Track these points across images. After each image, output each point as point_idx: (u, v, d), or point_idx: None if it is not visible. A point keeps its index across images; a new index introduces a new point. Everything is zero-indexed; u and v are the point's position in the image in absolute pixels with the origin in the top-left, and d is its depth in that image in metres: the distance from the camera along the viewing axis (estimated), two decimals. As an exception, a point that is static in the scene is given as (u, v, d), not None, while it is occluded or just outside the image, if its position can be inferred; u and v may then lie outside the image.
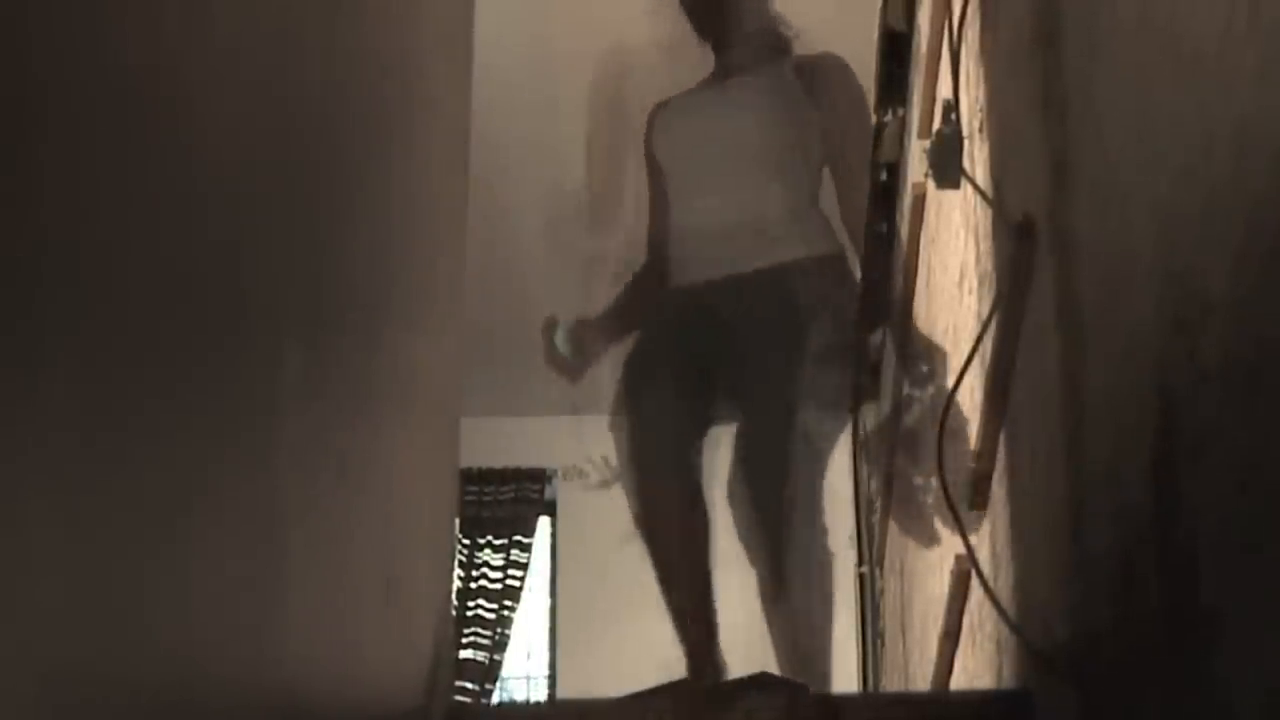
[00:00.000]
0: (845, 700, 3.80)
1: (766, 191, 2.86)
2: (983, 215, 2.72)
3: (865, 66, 4.97)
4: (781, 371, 2.85)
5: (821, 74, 2.99)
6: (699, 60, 3.29)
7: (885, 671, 5.47)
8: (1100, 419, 1.83)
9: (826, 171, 3.32)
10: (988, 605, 2.37)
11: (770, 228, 2.82)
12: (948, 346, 3.35)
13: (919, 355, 2.98)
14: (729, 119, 3.01)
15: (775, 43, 3.11)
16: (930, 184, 2.82)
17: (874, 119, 3.33)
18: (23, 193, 1.05)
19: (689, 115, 3.11)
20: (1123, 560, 1.73)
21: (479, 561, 7.50)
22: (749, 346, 2.72)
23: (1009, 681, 2.50)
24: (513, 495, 7.49)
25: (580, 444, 6.43)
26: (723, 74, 3.11)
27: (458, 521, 4.94)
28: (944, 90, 2.98)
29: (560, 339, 3.05)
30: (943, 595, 3.12)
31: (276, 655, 1.67)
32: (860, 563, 5.49)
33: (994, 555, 2.56)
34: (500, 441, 7.05)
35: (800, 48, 3.21)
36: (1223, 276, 1.30)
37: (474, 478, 7.02)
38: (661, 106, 3.24)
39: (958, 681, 3.08)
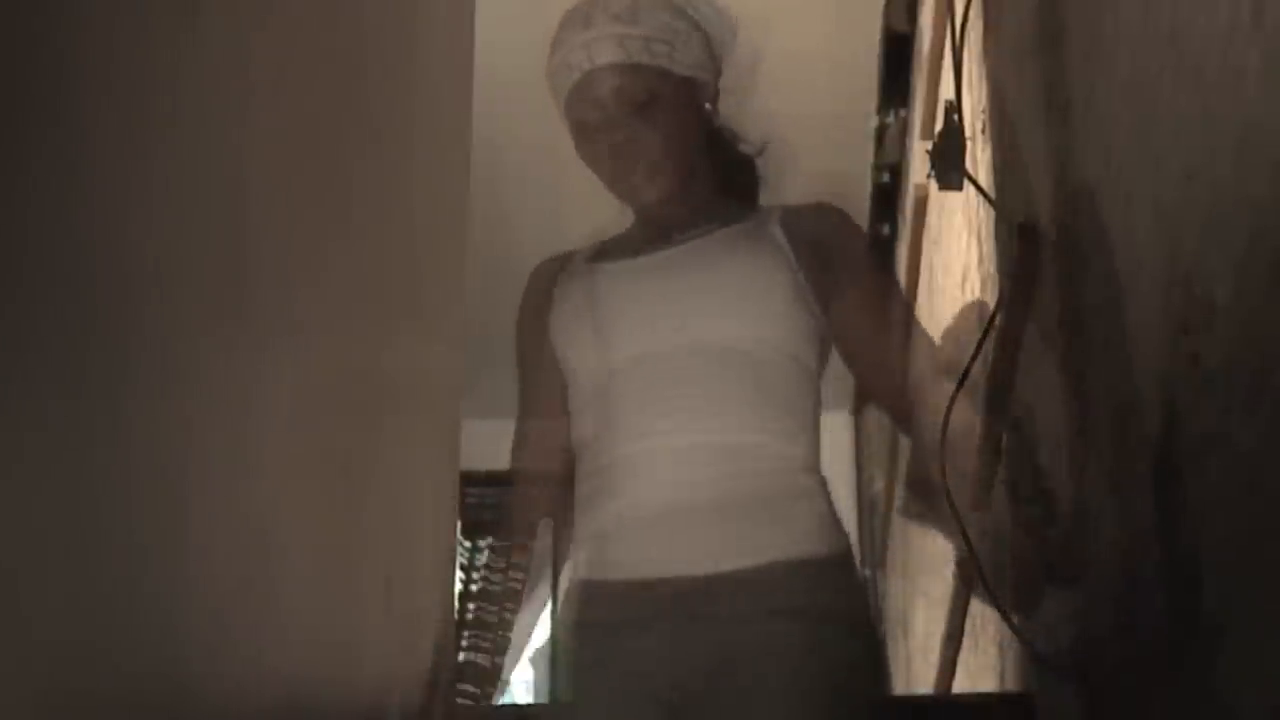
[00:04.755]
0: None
1: (749, 432, 1.82)
2: (985, 217, 2.72)
3: (866, 67, 4.99)
4: None
5: (821, 244, 1.92)
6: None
7: (887, 673, 5.47)
8: (1103, 423, 1.83)
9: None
10: (990, 608, 2.37)
11: (762, 492, 1.80)
12: (949, 348, 3.34)
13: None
14: (691, 305, 1.86)
15: (745, 188, 2.04)
16: (933, 185, 2.81)
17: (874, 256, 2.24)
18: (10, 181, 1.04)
19: (622, 296, 1.93)
20: (1126, 565, 1.73)
21: (480, 564, 7.49)
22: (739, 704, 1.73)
23: (1011, 684, 2.50)
24: (514, 497, 7.50)
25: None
26: (668, 229, 1.99)
27: (458, 524, 4.94)
28: (946, 91, 2.97)
29: None
30: (945, 597, 3.12)
31: (275, 657, 1.67)
32: (862, 564, 5.49)
33: (996, 557, 2.55)
34: (501, 444, 7.06)
35: (778, 187, 2.08)
36: (1226, 281, 1.30)
37: (475, 480, 7.01)
38: (560, 273, 2.06)
39: (960, 684, 3.08)
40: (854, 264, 1.96)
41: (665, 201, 1.96)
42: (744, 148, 2.05)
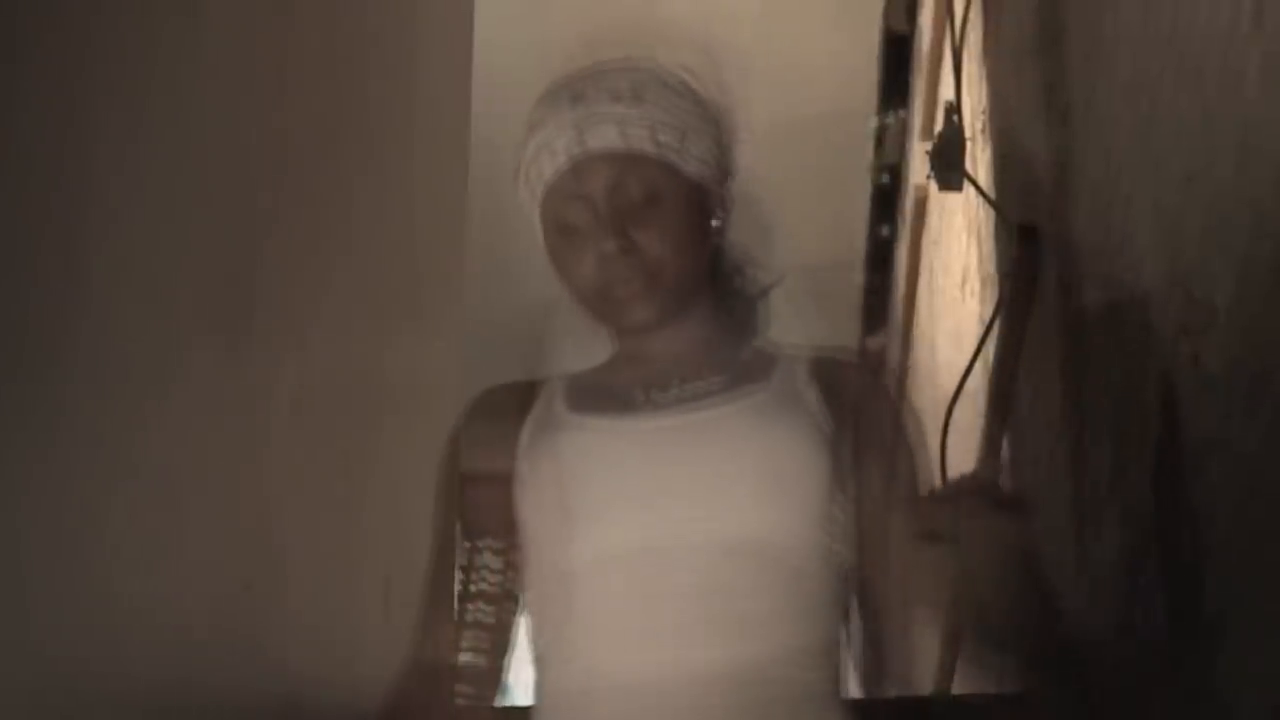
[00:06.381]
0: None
1: (777, 659, 1.43)
2: (985, 218, 2.72)
3: (865, 68, 4.99)
4: None
5: (855, 412, 1.51)
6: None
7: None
8: (1104, 423, 1.83)
9: None
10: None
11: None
12: (950, 349, 3.34)
13: None
14: (713, 491, 1.47)
15: (743, 330, 1.59)
16: (932, 186, 2.81)
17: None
18: None
19: (609, 462, 1.51)
20: (1126, 565, 1.73)
21: (479, 565, 7.51)
22: None
23: (1011, 685, 2.50)
24: (513, 496, 7.50)
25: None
26: (667, 375, 1.54)
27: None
28: (946, 92, 2.97)
29: None
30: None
31: (275, 655, 1.67)
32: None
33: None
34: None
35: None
36: (1227, 283, 1.30)
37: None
38: (528, 418, 1.60)
39: (960, 685, 3.07)
40: (885, 444, 1.51)
41: (660, 326, 1.53)
42: (750, 284, 1.60)
